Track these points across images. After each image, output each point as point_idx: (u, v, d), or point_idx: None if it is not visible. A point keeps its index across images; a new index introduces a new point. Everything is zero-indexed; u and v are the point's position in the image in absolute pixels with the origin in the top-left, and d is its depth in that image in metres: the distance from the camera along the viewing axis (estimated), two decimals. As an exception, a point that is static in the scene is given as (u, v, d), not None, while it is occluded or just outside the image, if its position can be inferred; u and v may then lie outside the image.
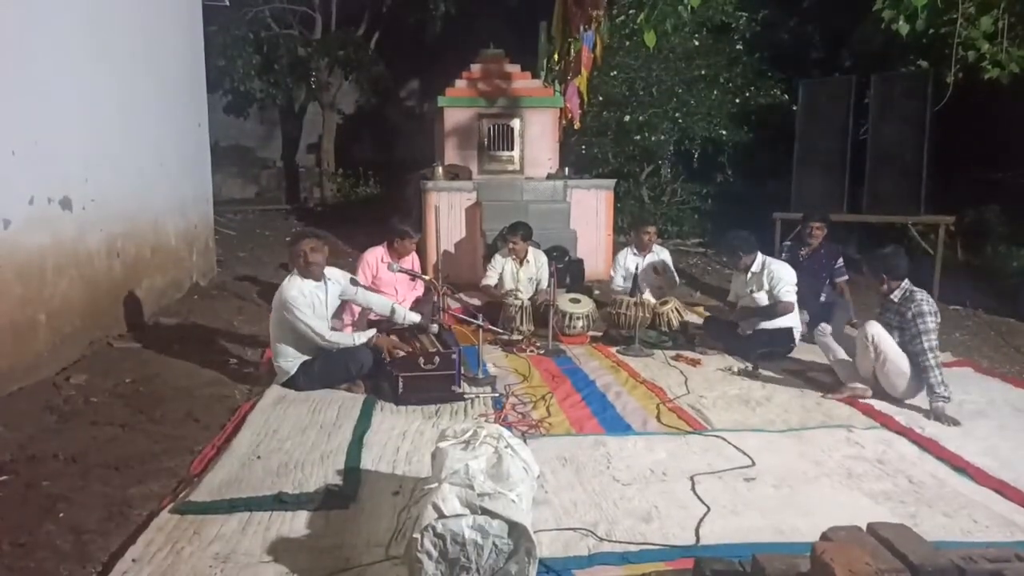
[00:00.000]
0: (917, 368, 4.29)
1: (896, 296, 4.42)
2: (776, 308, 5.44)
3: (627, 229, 9.74)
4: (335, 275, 4.78)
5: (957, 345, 5.97)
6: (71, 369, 4.73)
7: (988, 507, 3.12)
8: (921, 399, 4.36)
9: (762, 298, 5.54)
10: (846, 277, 6.36)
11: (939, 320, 4.34)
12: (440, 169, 8.88)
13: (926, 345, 4.22)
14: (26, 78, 4.54)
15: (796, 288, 5.52)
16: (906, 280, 4.42)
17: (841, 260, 6.32)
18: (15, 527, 2.84)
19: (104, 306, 5.47)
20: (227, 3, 9.14)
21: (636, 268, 6.29)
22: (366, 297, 5.02)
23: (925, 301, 4.31)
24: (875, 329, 4.38)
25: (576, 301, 6.19)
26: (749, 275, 5.63)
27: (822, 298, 6.16)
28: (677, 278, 6.94)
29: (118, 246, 5.77)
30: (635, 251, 6.69)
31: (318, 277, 4.60)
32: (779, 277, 5.47)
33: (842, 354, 4.70)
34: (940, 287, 7.57)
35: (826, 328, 4.93)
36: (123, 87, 5.96)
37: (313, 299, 4.53)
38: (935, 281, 7.56)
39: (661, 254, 6.80)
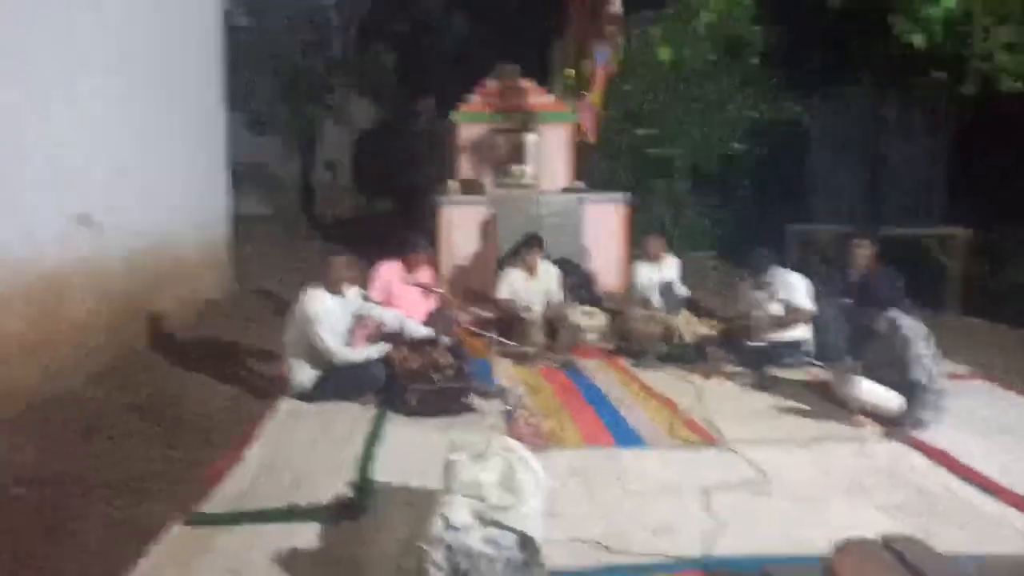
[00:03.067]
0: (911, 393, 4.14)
1: (882, 328, 4.32)
2: (792, 316, 5.41)
3: (640, 241, 9.76)
4: (350, 291, 4.82)
5: (975, 359, 5.88)
6: (89, 383, 4.78)
7: (1000, 519, 3.08)
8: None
9: (775, 309, 5.51)
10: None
11: (932, 342, 4.18)
12: (455, 184, 8.93)
13: (920, 372, 4.08)
14: (51, 98, 4.64)
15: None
16: (894, 310, 4.31)
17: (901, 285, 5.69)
18: (30, 539, 2.87)
19: (122, 321, 5.54)
20: (248, 24, 9.29)
21: (650, 280, 6.27)
22: (378, 312, 5.06)
23: (910, 328, 4.19)
24: (864, 387, 4.24)
25: (589, 314, 6.19)
26: (765, 287, 5.60)
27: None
28: (682, 294, 6.81)
29: (137, 263, 5.85)
30: (648, 263, 6.66)
31: (342, 293, 4.70)
32: (793, 286, 5.46)
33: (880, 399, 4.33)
34: (961, 301, 7.49)
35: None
36: (144, 106, 6.07)
37: (333, 316, 4.59)
38: (954, 295, 7.48)
39: (673, 265, 6.74)
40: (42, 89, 4.57)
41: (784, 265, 5.88)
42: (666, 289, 6.55)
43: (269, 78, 13.34)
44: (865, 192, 8.59)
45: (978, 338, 6.62)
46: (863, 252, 5.78)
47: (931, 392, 4.06)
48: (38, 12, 4.52)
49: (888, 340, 4.28)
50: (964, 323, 7.08)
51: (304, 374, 4.61)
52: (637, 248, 8.83)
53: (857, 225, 8.34)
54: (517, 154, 9.43)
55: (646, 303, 5.99)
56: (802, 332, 5.47)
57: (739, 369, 5.44)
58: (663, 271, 6.63)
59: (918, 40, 6.74)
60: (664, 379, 5.26)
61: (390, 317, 5.07)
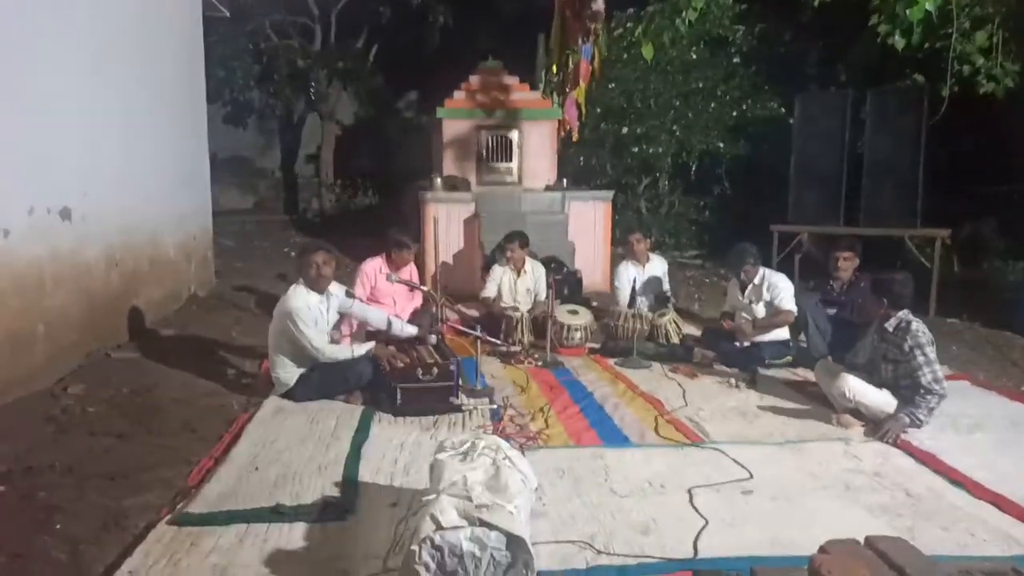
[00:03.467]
0: (906, 398, 4.14)
1: (890, 326, 4.28)
2: (777, 318, 5.46)
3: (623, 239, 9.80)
4: (333, 288, 4.79)
5: (954, 359, 5.97)
6: (68, 379, 4.71)
7: (985, 521, 3.12)
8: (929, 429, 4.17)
9: (760, 310, 5.56)
10: None
11: (934, 347, 4.18)
12: (439, 180, 8.91)
13: (930, 377, 4.07)
14: (27, 90, 4.56)
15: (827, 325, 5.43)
16: (905, 311, 4.26)
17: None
18: (11, 538, 2.83)
19: (102, 317, 5.47)
20: (227, 14, 9.18)
21: (635, 281, 6.29)
22: (363, 310, 5.03)
23: (921, 332, 4.15)
24: (851, 383, 4.26)
25: (574, 313, 6.20)
26: (749, 287, 5.65)
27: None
28: (669, 294, 6.83)
29: (116, 257, 5.77)
30: (634, 263, 6.68)
31: (323, 290, 4.62)
32: (779, 287, 5.52)
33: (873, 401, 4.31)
34: (937, 300, 7.59)
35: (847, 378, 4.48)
36: (123, 98, 5.98)
37: (316, 312, 4.55)
38: (932, 294, 7.58)
39: (659, 265, 6.78)
40: (20, 84, 4.48)
41: (768, 264, 5.93)
42: (651, 289, 6.58)
43: (248, 69, 13.20)
44: (847, 191, 8.67)
45: (954, 337, 6.72)
46: (846, 265, 5.73)
47: (936, 395, 4.08)
48: (13, 7, 4.43)
49: (895, 340, 4.25)
50: (940, 322, 7.18)
51: (289, 371, 4.58)
52: (621, 247, 8.90)
53: (838, 224, 8.45)
54: (501, 151, 9.43)
55: (631, 303, 6.01)
56: (786, 332, 5.54)
57: (725, 368, 5.48)
58: (647, 271, 6.65)
59: (898, 42, 6.80)
60: (650, 378, 5.29)
61: (375, 315, 5.05)
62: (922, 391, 4.09)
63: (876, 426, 4.13)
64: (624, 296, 6.35)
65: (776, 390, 5.00)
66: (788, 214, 9.06)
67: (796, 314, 5.47)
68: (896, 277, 4.38)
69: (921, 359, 4.11)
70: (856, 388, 4.27)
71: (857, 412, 4.32)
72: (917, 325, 4.21)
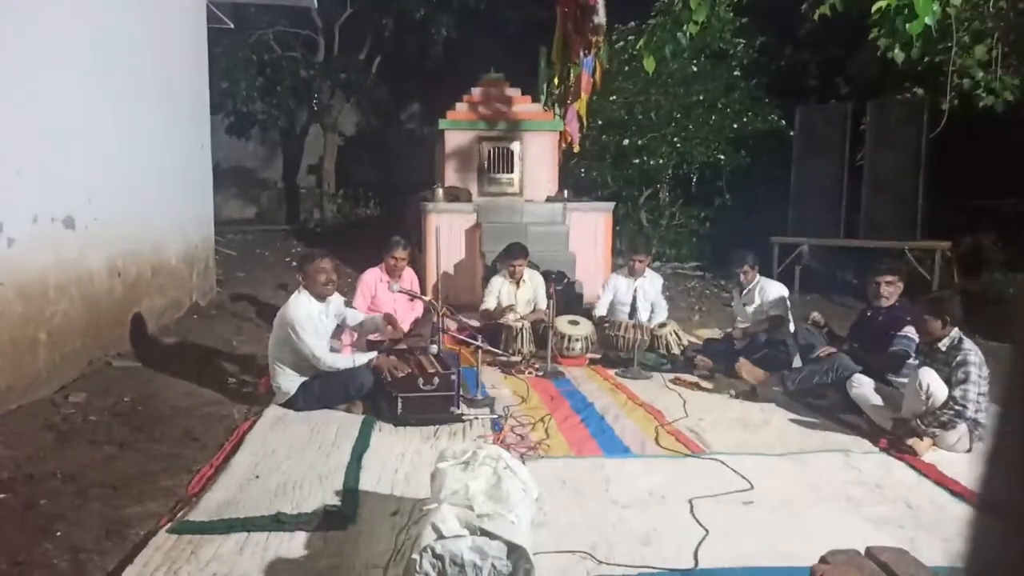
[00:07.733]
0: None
1: (944, 344, 4.18)
2: (761, 324, 5.69)
3: (625, 252, 9.80)
4: (333, 298, 4.80)
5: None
6: (70, 387, 4.73)
7: (986, 532, 3.11)
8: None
9: (751, 312, 5.86)
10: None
11: (986, 373, 4.08)
12: (440, 191, 8.94)
13: (958, 393, 3.98)
14: (31, 99, 4.59)
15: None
16: (956, 328, 4.18)
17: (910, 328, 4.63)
18: (13, 546, 2.83)
19: (104, 325, 5.48)
20: (231, 26, 9.25)
21: (630, 290, 6.29)
22: (355, 316, 5.06)
23: (973, 352, 4.07)
24: (929, 377, 4.10)
25: (575, 323, 6.21)
26: (745, 291, 5.90)
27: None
28: (664, 310, 6.74)
29: (119, 266, 5.79)
30: (627, 275, 6.61)
31: (324, 298, 4.64)
32: (769, 294, 5.79)
33: (877, 400, 4.42)
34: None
35: (861, 380, 4.53)
36: (127, 109, 6.02)
37: (317, 321, 4.56)
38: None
39: (653, 282, 6.70)
40: (25, 93, 4.52)
41: (768, 275, 6.06)
42: (643, 303, 6.54)
43: (251, 81, 13.28)
44: (847, 203, 8.71)
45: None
46: (890, 290, 4.87)
47: (953, 410, 3.97)
48: (20, 16, 4.47)
49: (946, 358, 4.16)
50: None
51: (289, 380, 4.58)
52: (621, 258, 8.90)
53: (838, 236, 8.47)
54: (503, 162, 9.47)
55: (631, 314, 6.02)
56: (785, 334, 5.60)
57: (725, 378, 5.48)
58: (639, 286, 6.53)
59: (897, 55, 6.84)
60: (650, 388, 5.29)
61: (369, 319, 5.09)
62: (962, 406, 3.97)
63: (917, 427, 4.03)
64: (603, 305, 6.59)
65: (777, 401, 4.99)
66: (788, 226, 9.09)
67: (782, 319, 5.65)
68: (944, 295, 4.37)
69: (961, 375, 4.01)
70: (936, 385, 4.08)
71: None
72: (970, 345, 4.13)
